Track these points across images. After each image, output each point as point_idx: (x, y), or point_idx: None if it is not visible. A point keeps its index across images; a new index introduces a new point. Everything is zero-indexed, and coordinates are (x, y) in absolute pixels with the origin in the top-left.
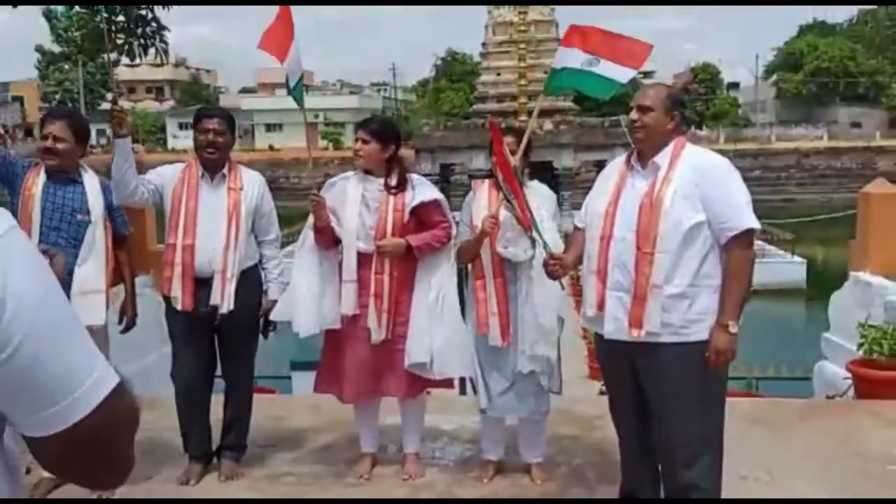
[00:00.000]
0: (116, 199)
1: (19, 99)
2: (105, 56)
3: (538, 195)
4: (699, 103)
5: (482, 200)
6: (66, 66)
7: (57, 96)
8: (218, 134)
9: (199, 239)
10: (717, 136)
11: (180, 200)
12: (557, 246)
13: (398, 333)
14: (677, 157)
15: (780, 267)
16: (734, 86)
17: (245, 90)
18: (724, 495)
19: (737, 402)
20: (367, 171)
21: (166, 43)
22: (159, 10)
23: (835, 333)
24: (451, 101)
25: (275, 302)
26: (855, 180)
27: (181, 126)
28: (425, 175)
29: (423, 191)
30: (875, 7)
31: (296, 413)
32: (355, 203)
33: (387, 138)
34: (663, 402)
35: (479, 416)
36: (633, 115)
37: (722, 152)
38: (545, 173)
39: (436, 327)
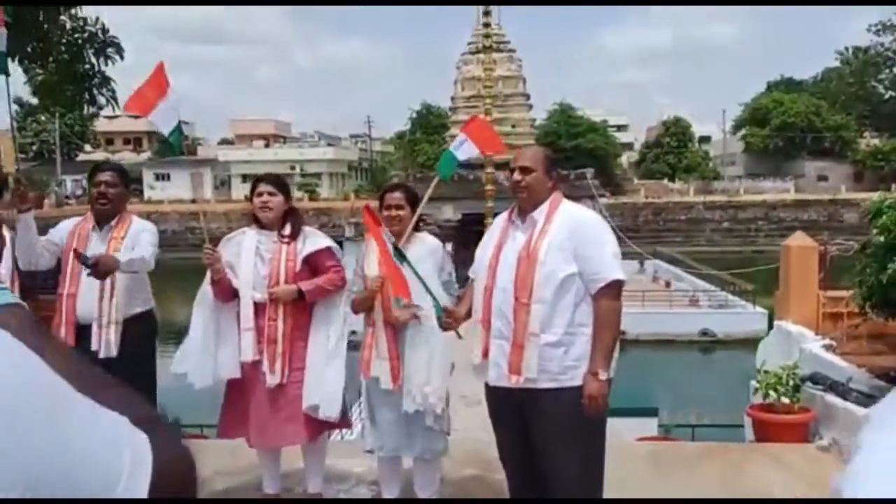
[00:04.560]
0: (22, 265)
1: None
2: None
3: (424, 246)
4: (671, 156)
5: (374, 254)
6: (44, 118)
7: (34, 147)
8: (110, 186)
9: (82, 287)
10: (687, 189)
11: (69, 252)
12: (444, 299)
13: (294, 378)
14: (553, 212)
15: (743, 317)
16: (705, 139)
17: (224, 141)
18: None
19: (640, 444)
20: (262, 226)
21: (113, 92)
22: (107, 63)
23: None
24: (425, 152)
25: (115, 261)
26: (821, 232)
27: (158, 177)
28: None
29: (315, 240)
30: (839, 65)
31: (210, 457)
32: (250, 255)
33: (286, 191)
34: (545, 444)
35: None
36: (517, 175)
37: (692, 204)
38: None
39: (327, 371)
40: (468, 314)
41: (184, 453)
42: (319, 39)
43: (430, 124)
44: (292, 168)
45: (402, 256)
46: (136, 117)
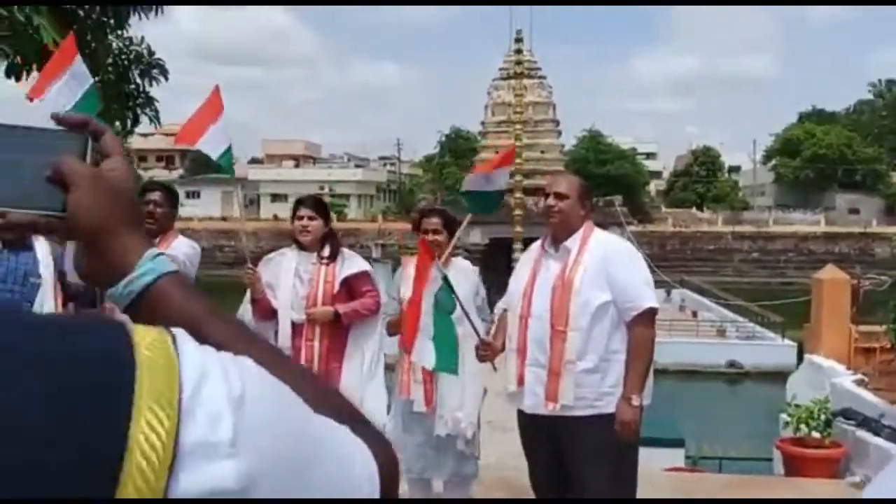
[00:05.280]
0: (71, 277)
1: None
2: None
3: (460, 270)
4: (700, 185)
5: (410, 277)
6: None
7: None
8: (158, 205)
9: None
10: (715, 219)
11: None
12: (480, 325)
13: None
14: (586, 241)
15: (771, 349)
16: (735, 169)
17: (253, 160)
18: None
19: (667, 475)
20: (302, 247)
21: (157, 112)
22: (152, 85)
23: None
24: (454, 176)
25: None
26: (852, 266)
27: (188, 195)
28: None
29: (353, 263)
30: (872, 97)
31: None
32: (289, 276)
33: (326, 214)
34: (579, 471)
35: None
36: (551, 200)
37: (721, 234)
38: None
39: (367, 392)
40: (503, 345)
41: (390, 451)
42: (351, 62)
43: (459, 148)
44: (321, 188)
45: (449, 286)
46: (168, 135)
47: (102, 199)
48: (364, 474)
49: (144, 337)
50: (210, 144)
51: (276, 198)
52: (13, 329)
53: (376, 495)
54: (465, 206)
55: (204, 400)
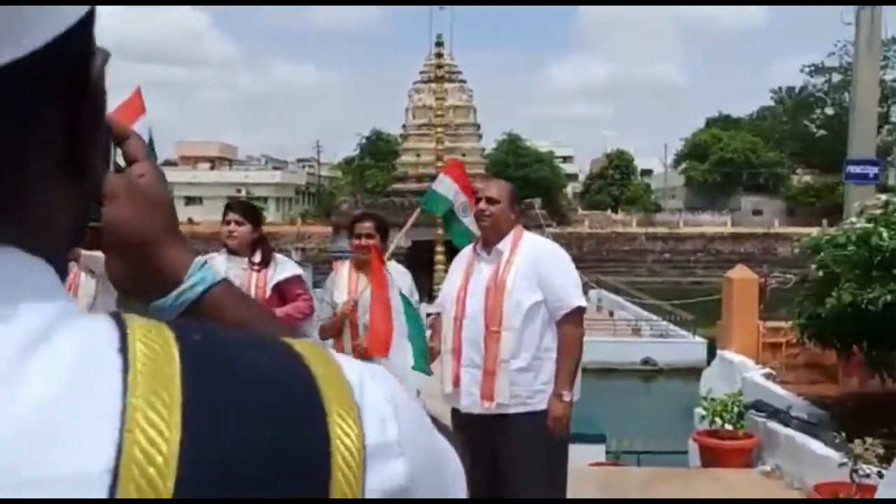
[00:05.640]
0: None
1: None
2: None
3: (397, 277)
4: (614, 188)
5: (342, 281)
6: None
7: None
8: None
9: None
10: (630, 220)
11: None
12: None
13: None
14: (517, 243)
15: (683, 346)
16: (647, 172)
17: (167, 163)
18: None
19: (592, 470)
20: (233, 252)
21: None
22: None
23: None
24: (375, 178)
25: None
26: (757, 265)
27: None
28: (338, 252)
29: (285, 268)
30: (774, 104)
31: None
32: None
33: (256, 219)
34: (512, 467)
35: None
36: (482, 205)
37: (635, 235)
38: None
39: None
40: (439, 348)
41: (461, 450)
42: (269, 64)
43: (379, 150)
44: (238, 191)
45: (406, 301)
46: None
47: (141, 208)
48: (461, 474)
49: (308, 349)
50: (143, 130)
51: (190, 200)
52: (221, 342)
53: (467, 494)
54: (431, 207)
55: (370, 404)
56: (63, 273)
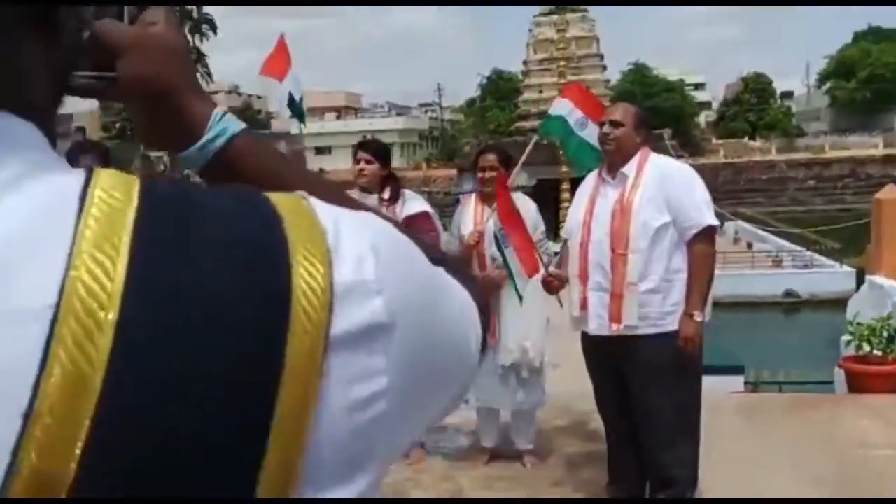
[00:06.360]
0: None
1: (82, 129)
2: None
3: (522, 207)
4: (751, 114)
5: (468, 214)
6: None
7: (117, 125)
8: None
9: None
10: (769, 147)
11: None
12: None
13: None
14: (643, 165)
15: (830, 277)
16: (787, 95)
17: None
18: (699, 479)
19: (731, 397)
20: (364, 189)
21: (207, 67)
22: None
23: None
24: (496, 119)
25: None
26: None
27: None
28: (464, 193)
29: (414, 204)
30: None
31: None
32: None
33: (385, 158)
34: (643, 390)
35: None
36: (606, 128)
37: (774, 163)
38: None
39: None
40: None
41: (480, 289)
42: (387, 10)
43: (500, 90)
44: (364, 138)
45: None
46: (212, 93)
47: (155, 59)
48: (472, 316)
49: (280, 199)
50: (293, 85)
51: (320, 151)
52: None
53: (481, 335)
54: (547, 129)
55: (345, 245)
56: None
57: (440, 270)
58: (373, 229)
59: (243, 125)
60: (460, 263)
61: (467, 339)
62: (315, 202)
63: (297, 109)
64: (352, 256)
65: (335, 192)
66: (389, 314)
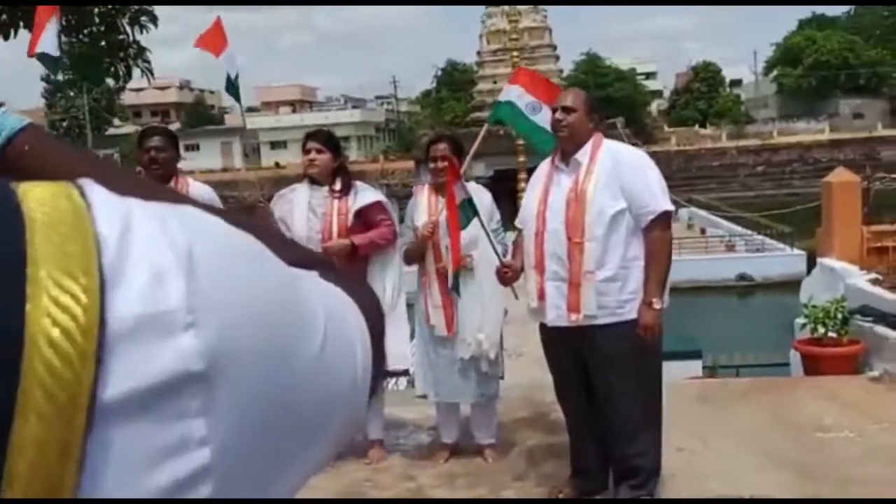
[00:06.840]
0: None
1: None
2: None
3: (476, 197)
4: (701, 102)
5: (422, 205)
6: (72, 94)
7: (64, 123)
8: (159, 150)
9: None
10: (719, 134)
11: None
12: (500, 250)
13: None
14: (596, 152)
15: (781, 260)
16: (736, 83)
17: (250, 109)
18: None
19: (689, 383)
20: (314, 181)
21: (148, 62)
22: (142, 33)
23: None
24: (452, 110)
25: None
26: (859, 171)
27: (187, 148)
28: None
29: (366, 195)
30: None
31: None
32: (303, 210)
33: (335, 148)
34: (604, 379)
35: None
36: (558, 115)
37: (725, 150)
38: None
39: (389, 325)
40: (523, 266)
41: (368, 291)
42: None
43: (455, 81)
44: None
45: (473, 209)
46: (162, 88)
47: None
48: (355, 338)
49: (31, 190)
50: (229, 64)
51: (275, 145)
52: None
53: (369, 350)
54: (496, 116)
55: (135, 258)
56: None
57: (308, 278)
58: (189, 232)
59: (29, 120)
60: (320, 259)
61: (345, 374)
62: (97, 195)
63: (232, 89)
64: (144, 276)
65: (164, 194)
66: (208, 358)
